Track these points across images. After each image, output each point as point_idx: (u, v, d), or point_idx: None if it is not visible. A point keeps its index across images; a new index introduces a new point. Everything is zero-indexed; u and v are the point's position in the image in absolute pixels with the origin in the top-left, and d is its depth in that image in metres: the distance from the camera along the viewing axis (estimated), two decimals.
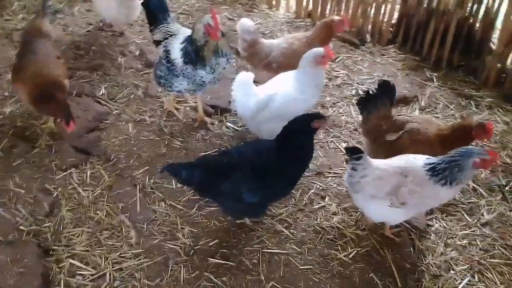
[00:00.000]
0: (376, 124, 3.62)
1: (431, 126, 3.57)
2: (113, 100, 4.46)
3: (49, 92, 3.62)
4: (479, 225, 3.71)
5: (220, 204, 3.37)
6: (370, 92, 3.60)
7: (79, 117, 4.11)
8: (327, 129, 3.44)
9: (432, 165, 3.03)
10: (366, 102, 3.64)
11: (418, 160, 3.11)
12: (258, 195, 3.14)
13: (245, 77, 3.82)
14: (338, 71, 5.20)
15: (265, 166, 3.09)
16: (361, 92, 4.31)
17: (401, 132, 3.53)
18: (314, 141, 3.22)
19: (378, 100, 3.59)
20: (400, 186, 3.07)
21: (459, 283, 3.30)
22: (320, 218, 3.60)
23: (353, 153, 3.10)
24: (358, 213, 3.63)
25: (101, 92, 4.51)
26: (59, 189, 3.62)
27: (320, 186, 3.86)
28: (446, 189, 3.01)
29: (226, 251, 3.32)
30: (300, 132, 3.09)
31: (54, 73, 3.75)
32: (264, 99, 3.76)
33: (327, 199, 3.76)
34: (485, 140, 3.48)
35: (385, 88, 3.58)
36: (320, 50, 3.64)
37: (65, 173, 3.74)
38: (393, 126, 3.57)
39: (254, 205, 3.23)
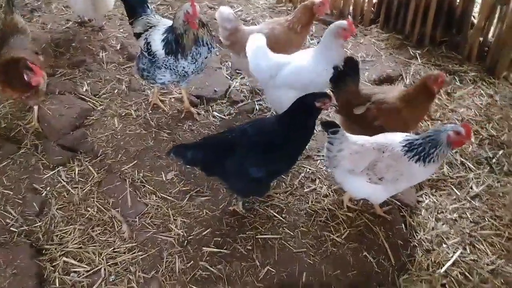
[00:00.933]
0: (347, 100, 3.63)
1: (395, 93, 3.60)
2: (97, 96, 4.42)
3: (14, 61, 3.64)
4: (468, 198, 3.76)
5: (227, 182, 3.38)
6: (338, 68, 3.60)
7: (63, 115, 4.07)
8: (333, 108, 3.43)
9: (408, 141, 3.06)
10: (336, 80, 3.63)
11: (398, 137, 3.14)
12: (263, 169, 3.15)
13: (259, 38, 3.82)
14: None
15: (269, 142, 3.11)
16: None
17: (368, 103, 3.55)
18: (316, 120, 3.22)
19: (346, 77, 3.59)
20: (377, 161, 3.09)
21: (451, 256, 3.35)
22: (312, 201, 3.61)
23: (329, 127, 3.12)
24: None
25: (84, 89, 4.46)
26: (48, 188, 3.60)
27: (310, 169, 3.87)
28: (420, 166, 3.03)
29: (219, 239, 3.33)
30: (304, 110, 3.11)
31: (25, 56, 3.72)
32: (274, 65, 3.79)
33: (317, 181, 3.77)
34: (440, 88, 3.50)
35: (352, 64, 3.59)
36: (343, 22, 3.61)
37: (53, 172, 3.71)
38: (361, 100, 3.59)
39: (259, 181, 3.24)
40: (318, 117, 3.24)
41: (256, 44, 3.82)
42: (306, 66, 3.74)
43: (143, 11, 3.98)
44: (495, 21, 5.06)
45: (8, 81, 3.65)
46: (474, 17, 5.34)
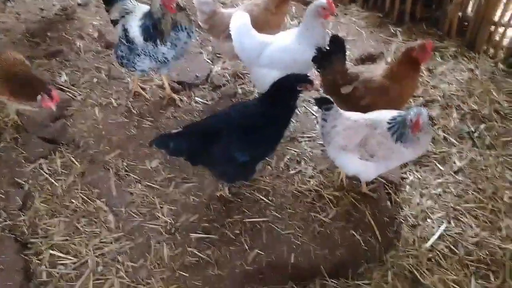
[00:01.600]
0: (333, 79, 3.61)
1: (381, 71, 3.58)
2: (76, 86, 4.33)
3: None
4: (451, 172, 3.81)
5: (213, 169, 3.35)
6: (323, 49, 3.58)
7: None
8: (316, 90, 3.40)
9: (392, 119, 3.06)
10: (320, 59, 3.61)
11: (389, 114, 3.13)
12: (248, 153, 3.13)
13: (243, 16, 3.77)
14: None
15: (252, 124, 3.08)
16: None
17: (355, 82, 3.55)
18: (297, 100, 3.19)
19: (332, 56, 3.56)
20: (369, 138, 3.10)
21: (437, 230, 3.40)
22: (298, 183, 3.62)
23: (323, 103, 3.12)
24: (334, 174, 3.67)
25: (63, 79, 4.37)
26: (30, 181, 3.55)
27: (295, 151, 3.87)
28: (401, 146, 3.03)
29: (207, 225, 3.33)
30: (284, 91, 3.08)
31: None
32: (258, 44, 3.76)
33: (302, 163, 3.78)
34: (427, 59, 3.51)
35: (338, 43, 3.55)
36: (322, 1, 3.54)
37: (34, 165, 3.65)
38: (348, 79, 3.58)
39: (245, 165, 3.22)
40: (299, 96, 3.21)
41: (239, 21, 3.77)
42: (288, 45, 3.72)
43: None
44: None
45: (16, 92, 3.55)
46: None
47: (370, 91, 3.48)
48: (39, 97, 3.42)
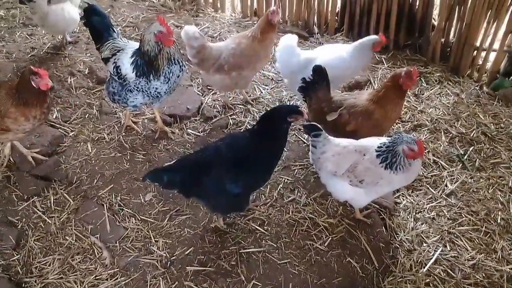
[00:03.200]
0: (320, 108, 3.69)
1: (365, 96, 3.66)
2: (68, 122, 4.35)
3: None
4: (444, 196, 3.84)
5: (206, 202, 3.34)
6: (307, 79, 3.67)
7: (35, 143, 4.01)
8: (305, 121, 3.45)
9: (380, 147, 3.10)
10: (306, 89, 3.72)
11: (378, 141, 3.18)
12: (240, 185, 3.14)
13: (290, 39, 4.18)
14: None
15: (244, 156, 3.10)
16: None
17: (340, 109, 3.61)
18: (289, 131, 3.24)
19: (316, 85, 3.67)
20: (357, 164, 3.14)
21: (433, 255, 3.41)
22: (292, 211, 3.63)
23: (311, 130, 3.18)
24: (328, 201, 3.69)
25: (54, 116, 4.39)
26: (24, 219, 3.52)
27: (288, 179, 3.89)
28: (391, 173, 3.07)
29: (203, 257, 3.31)
30: (276, 123, 3.11)
31: None
32: (304, 60, 4.10)
33: (296, 191, 3.79)
34: (412, 86, 3.62)
35: (320, 73, 3.66)
36: (376, 37, 4.00)
37: (27, 203, 3.63)
38: (333, 107, 3.65)
39: (238, 197, 3.22)
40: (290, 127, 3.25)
41: (284, 43, 4.17)
42: (338, 63, 4.02)
43: (109, 35, 3.95)
44: (454, 21, 5.23)
45: (21, 100, 3.47)
46: (434, 19, 5.51)
47: (355, 116, 3.55)
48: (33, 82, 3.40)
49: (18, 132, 3.59)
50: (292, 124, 3.15)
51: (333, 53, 4.10)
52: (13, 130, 3.53)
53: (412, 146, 2.96)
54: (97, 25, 3.97)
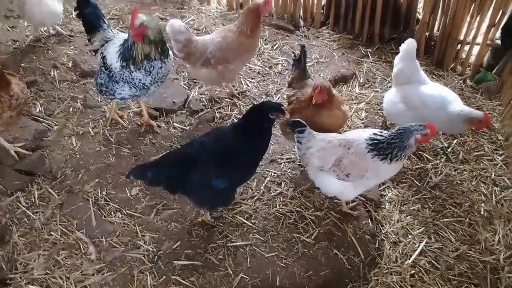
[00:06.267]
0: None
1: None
2: (51, 116, 4.29)
3: None
4: (428, 188, 3.89)
5: (192, 197, 3.33)
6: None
7: (18, 138, 3.94)
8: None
9: (374, 141, 3.11)
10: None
11: (365, 133, 3.20)
12: (226, 180, 3.14)
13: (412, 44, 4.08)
14: (277, 58, 5.25)
15: (228, 151, 3.09)
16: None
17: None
18: (272, 127, 3.21)
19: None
20: (342, 158, 3.16)
21: (418, 246, 3.46)
22: (279, 204, 3.64)
23: (296, 126, 3.19)
24: (315, 194, 3.71)
25: (38, 109, 4.32)
26: (7, 215, 3.46)
27: (275, 173, 3.90)
28: (386, 164, 3.09)
29: (190, 251, 3.30)
30: (259, 120, 3.09)
31: None
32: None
33: (283, 185, 3.81)
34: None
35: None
36: (480, 114, 3.69)
37: (11, 198, 3.57)
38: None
39: (224, 191, 3.22)
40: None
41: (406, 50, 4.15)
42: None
43: (100, 26, 3.91)
44: (438, 15, 5.27)
45: None
46: (419, 13, 5.54)
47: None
48: None
49: None
50: (274, 121, 3.13)
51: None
52: None
53: (424, 132, 2.98)
54: (89, 16, 3.92)
